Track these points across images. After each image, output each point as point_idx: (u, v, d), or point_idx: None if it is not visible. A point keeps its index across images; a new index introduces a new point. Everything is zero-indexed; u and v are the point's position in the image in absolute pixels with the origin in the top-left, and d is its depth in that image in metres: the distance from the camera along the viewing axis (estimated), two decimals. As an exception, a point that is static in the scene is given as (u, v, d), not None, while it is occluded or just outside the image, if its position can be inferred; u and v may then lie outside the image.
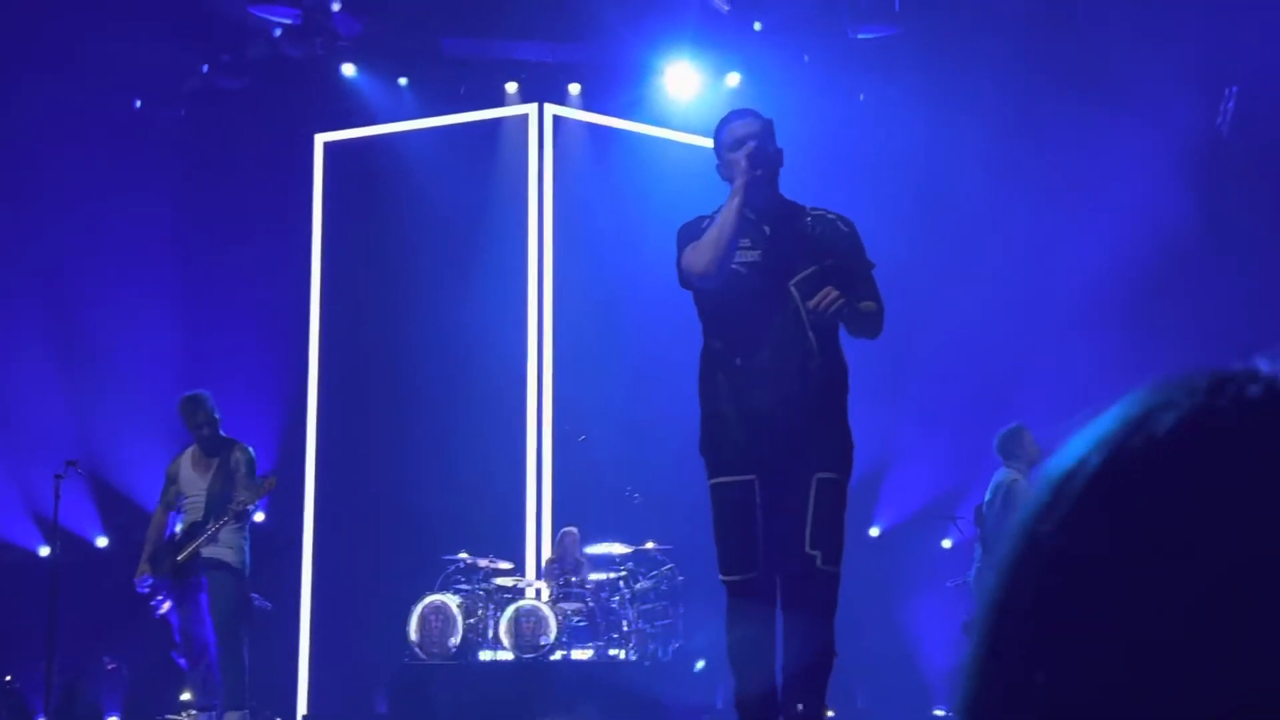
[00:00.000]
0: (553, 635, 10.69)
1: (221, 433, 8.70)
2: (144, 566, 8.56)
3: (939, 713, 12.07)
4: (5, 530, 12.39)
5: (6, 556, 12.24)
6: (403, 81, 13.78)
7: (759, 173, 4.90)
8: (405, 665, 10.88)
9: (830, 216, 5.14)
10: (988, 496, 9.02)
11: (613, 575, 11.37)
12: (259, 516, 8.72)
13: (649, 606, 11.24)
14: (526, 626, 10.78)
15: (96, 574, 11.63)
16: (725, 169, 5.09)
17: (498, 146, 13.82)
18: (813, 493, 4.83)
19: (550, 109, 13.69)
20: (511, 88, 13.85)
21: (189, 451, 8.69)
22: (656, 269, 12.28)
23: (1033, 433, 9.07)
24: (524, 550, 12.69)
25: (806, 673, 4.81)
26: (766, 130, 4.97)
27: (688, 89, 13.80)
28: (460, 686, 10.54)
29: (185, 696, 9.81)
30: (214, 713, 8.42)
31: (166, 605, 8.52)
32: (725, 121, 5.20)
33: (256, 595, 9.27)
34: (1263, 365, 0.79)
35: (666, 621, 11.27)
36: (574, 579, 11.32)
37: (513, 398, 13.10)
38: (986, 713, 0.76)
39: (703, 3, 12.64)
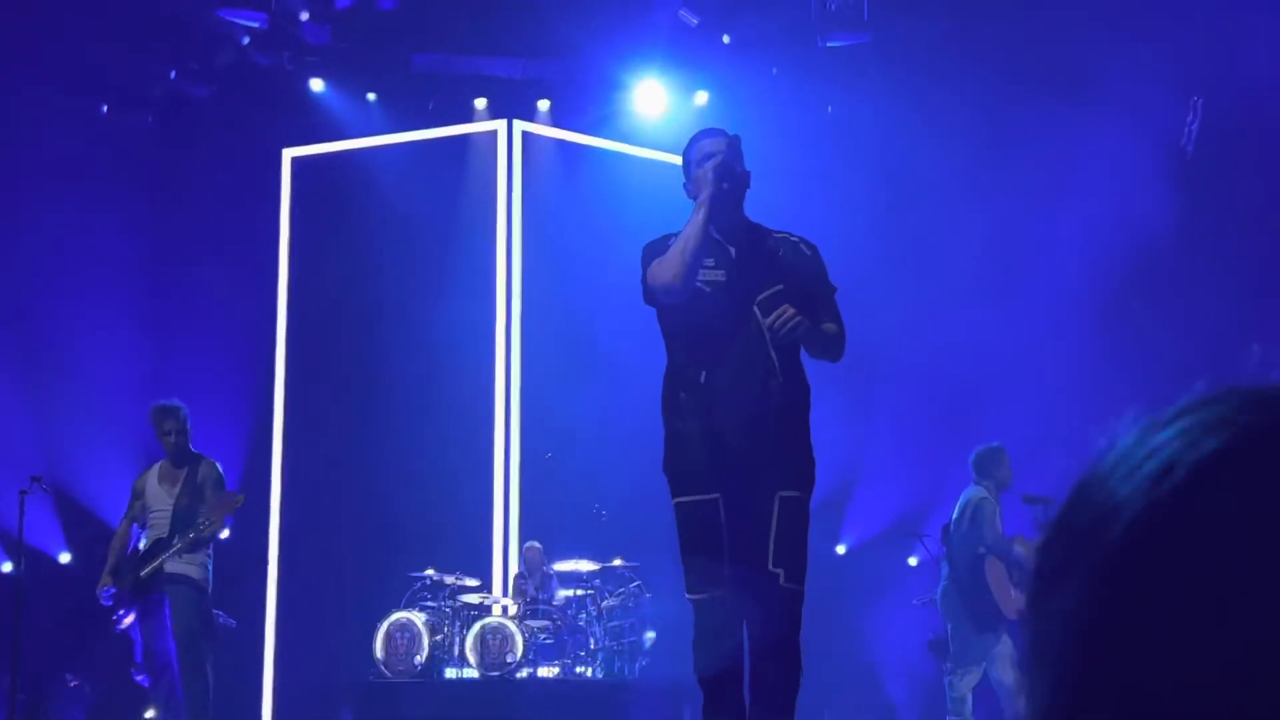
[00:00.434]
0: (519, 653, 10.66)
1: (191, 447, 8.65)
2: (106, 578, 8.49)
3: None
4: (-33, 546, 12.29)
5: (-31, 573, 12.14)
6: (371, 97, 13.76)
7: (725, 186, 4.91)
8: (370, 683, 10.83)
9: (794, 239, 5.16)
10: (955, 514, 9.05)
11: (580, 592, 11.36)
12: (224, 533, 8.64)
13: (616, 624, 11.23)
14: (493, 644, 10.75)
15: (60, 591, 11.54)
16: (693, 186, 5.10)
17: (467, 162, 13.82)
18: (775, 511, 4.83)
19: (519, 125, 13.70)
20: (481, 104, 13.85)
21: (156, 466, 8.64)
22: (625, 286, 12.25)
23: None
24: (491, 567, 12.66)
25: (774, 690, 4.81)
26: (734, 148, 4.98)
27: (656, 106, 13.84)
28: (426, 704, 10.50)
29: (149, 714, 9.73)
30: (177, 730, 8.36)
31: (129, 619, 8.46)
32: (694, 140, 5.22)
33: (220, 612, 9.22)
34: None
35: (633, 639, 11.25)
36: (541, 596, 11.29)
37: (480, 414, 13.07)
38: None
39: (672, 17, 12.67)
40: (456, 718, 10.34)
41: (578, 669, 11.12)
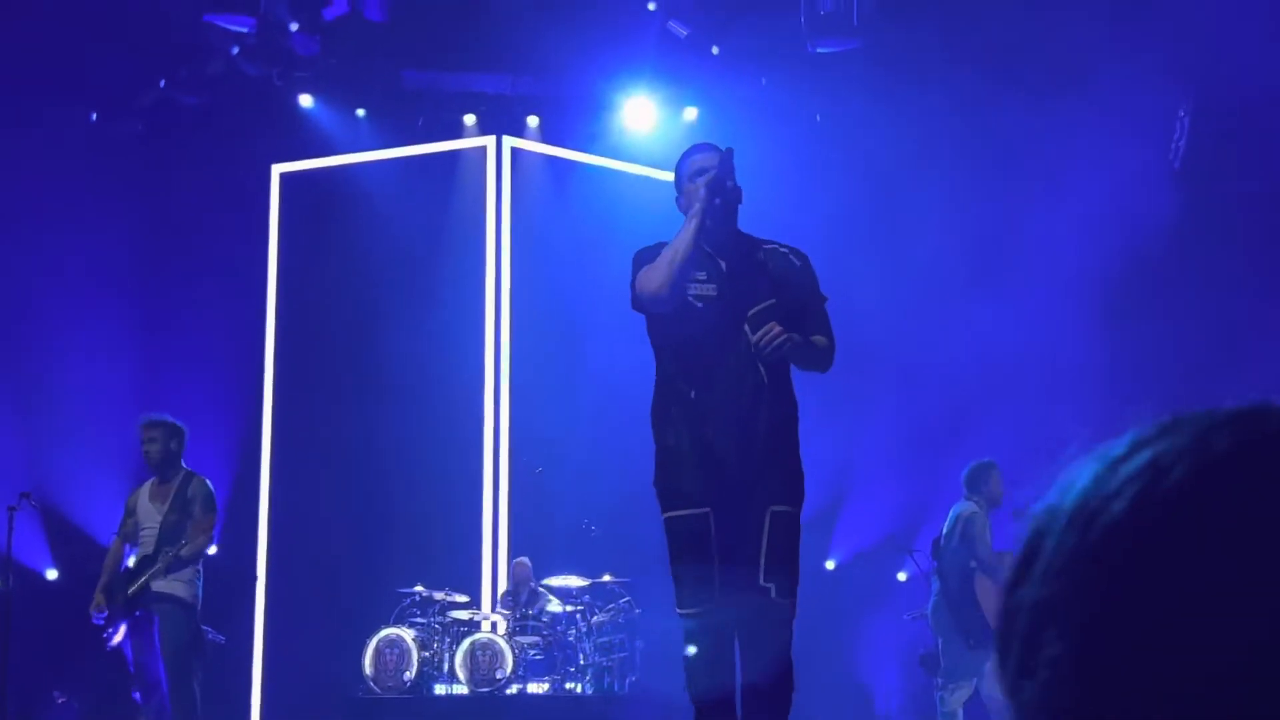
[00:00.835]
0: (509, 669, 10.64)
1: (183, 464, 8.61)
2: (99, 598, 8.46)
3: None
4: (-45, 563, 12.24)
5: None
6: (361, 113, 13.77)
7: (717, 201, 4.92)
8: (359, 699, 10.80)
9: (784, 250, 5.17)
10: (945, 529, 9.05)
11: (569, 608, 11.34)
12: (212, 549, 8.61)
13: (606, 639, 11.21)
14: (482, 660, 10.72)
15: (48, 607, 11.50)
16: (685, 201, 5.11)
17: (456, 178, 13.82)
18: (766, 526, 4.82)
19: (508, 141, 13.71)
20: (470, 120, 13.86)
21: (148, 483, 8.60)
22: (614, 301, 12.29)
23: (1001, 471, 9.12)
24: (480, 583, 12.64)
25: (766, 707, 4.80)
26: (726, 163, 4.99)
27: (645, 122, 13.86)
28: (415, 721, 10.47)
29: (137, 731, 9.69)
30: (165, 748, 8.32)
31: (118, 636, 8.42)
32: (686, 155, 5.23)
33: (209, 629, 9.18)
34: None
35: (623, 654, 11.23)
36: (530, 612, 11.27)
37: (469, 430, 13.06)
38: None
39: (661, 30, 12.70)
40: (446, 734, 10.31)
41: (567, 685, 11.09)
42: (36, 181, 12.54)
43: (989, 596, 8.81)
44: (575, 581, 11.47)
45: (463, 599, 11.51)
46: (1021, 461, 10.22)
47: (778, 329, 4.76)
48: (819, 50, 12.05)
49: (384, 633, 10.86)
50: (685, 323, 4.92)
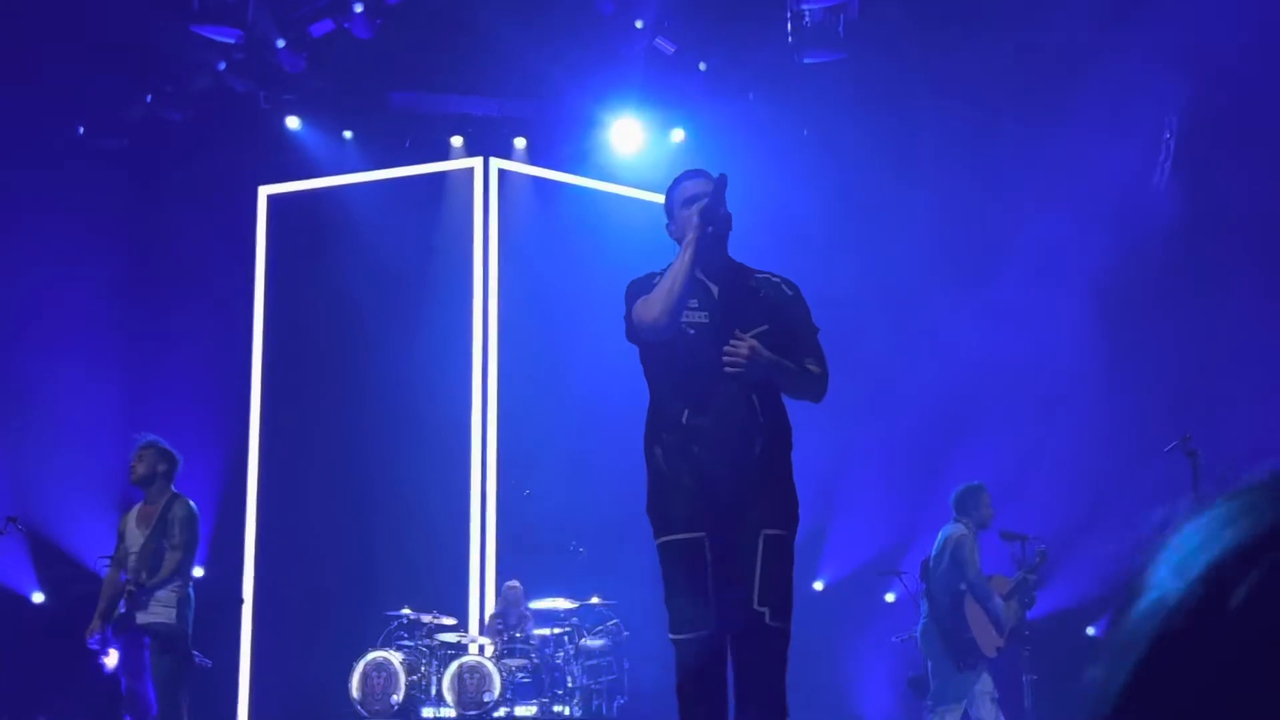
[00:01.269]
0: (496, 692, 10.60)
1: (171, 487, 8.57)
2: (95, 624, 8.42)
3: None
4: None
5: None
6: (348, 134, 13.78)
7: (710, 229, 4.92)
8: (347, 723, 10.75)
9: (776, 280, 5.17)
10: (934, 551, 9.04)
11: (557, 630, 11.31)
12: (198, 571, 8.57)
13: (594, 662, 11.17)
14: (470, 683, 10.69)
15: (33, 631, 11.44)
16: (677, 227, 5.10)
17: (443, 200, 13.83)
18: (760, 549, 4.81)
19: (496, 163, 13.72)
20: (457, 141, 13.87)
21: (136, 507, 8.58)
22: (602, 323, 12.29)
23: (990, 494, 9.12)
24: (468, 606, 12.60)
25: None
26: (719, 190, 4.98)
27: (633, 143, 13.88)
28: (402, 744, 10.43)
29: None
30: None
31: (111, 661, 8.38)
32: (677, 181, 5.22)
33: (196, 652, 9.14)
34: None
35: (612, 677, 11.20)
36: (518, 634, 11.24)
37: (457, 452, 13.03)
38: None
39: (648, 47, 12.72)
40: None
41: (555, 708, 11.05)
42: (22, 196, 12.51)
43: (978, 619, 8.80)
44: (563, 604, 11.44)
45: (450, 621, 11.47)
46: (1010, 482, 10.24)
47: (746, 346, 4.78)
48: (806, 61, 12.05)
49: (371, 655, 10.82)
50: (677, 350, 4.92)
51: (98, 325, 12.71)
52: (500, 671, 10.70)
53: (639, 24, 12.64)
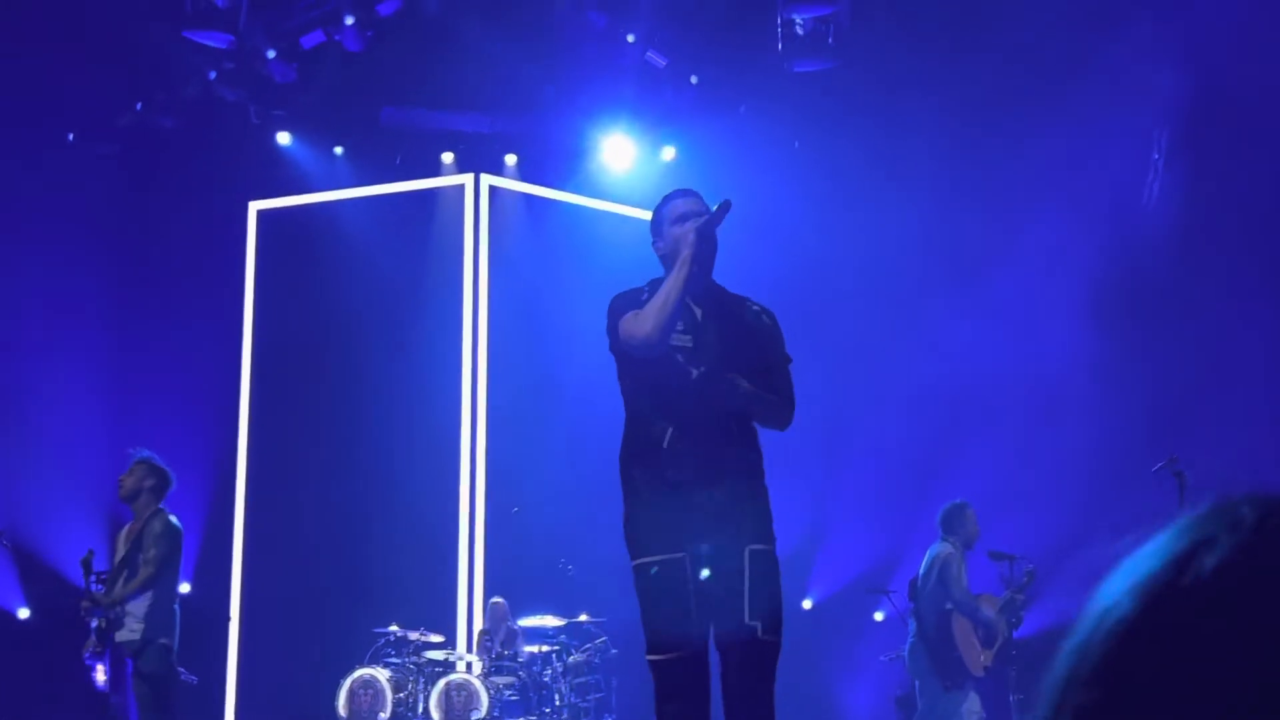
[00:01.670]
0: (484, 709, 10.57)
1: (154, 500, 8.53)
2: (91, 640, 8.39)
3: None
4: (-73, 601, 12.14)
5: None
6: (338, 150, 13.78)
7: (705, 248, 4.92)
8: (333, 740, 10.71)
9: (755, 307, 5.19)
10: (922, 570, 9.04)
11: (545, 648, 11.27)
12: (184, 588, 8.54)
13: (582, 680, 11.14)
14: (457, 700, 10.66)
15: (19, 647, 11.40)
16: (665, 245, 5.09)
17: (434, 216, 13.83)
18: (747, 565, 4.81)
19: (486, 179, 13.73)
20: (448, 158, 13.88)
21: (128, 524, 8.55)
22: (592, 340, 12.31)
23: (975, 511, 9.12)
24: (455, 623, 12.57)
25: None
26: (722, 213, 4.96)
27: (623, 161, 13.90)
28: (389, 762, 10.39)
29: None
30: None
31: (99, 676, 8.35)
32: (667, 200, 5.21)
33: (181, 669, 9.11)
34: None
35: (600, 695, 11.17)
36: (506, 652, 11.21)
37: (446, 468, 13.02)
38: None
39: (639, 61, 12.75)
40: (420, 776, 10.24)
41: (543, 726, 11.03)
42: (12, 203, 12.46)
43: (966, 638, 8.81)
44: (551, 621, 11.41)
45: (438, 639, 11.44)
46: (999, 503, 10.24)
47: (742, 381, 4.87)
48: (796, 70, 12.06)
49: (358, 673, 10.79)
50: (661, 370, 4.92)
51: (86, 339, 12.68)
52: (488, 689, 10.67)
53: (630, 38, 12.68)
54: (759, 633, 4.76)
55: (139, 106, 12.90)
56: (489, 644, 11.45)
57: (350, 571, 12.51)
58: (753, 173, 12.88)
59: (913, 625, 9.10)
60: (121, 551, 8.34)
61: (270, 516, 13.07)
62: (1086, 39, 11.68)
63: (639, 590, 4.87)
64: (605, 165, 13.95)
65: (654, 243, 5.18)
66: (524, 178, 13.99)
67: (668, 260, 5.04)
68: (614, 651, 11.31)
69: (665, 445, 4.86)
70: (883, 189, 12.63)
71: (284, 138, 13.62)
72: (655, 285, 5.04)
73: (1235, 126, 11.45)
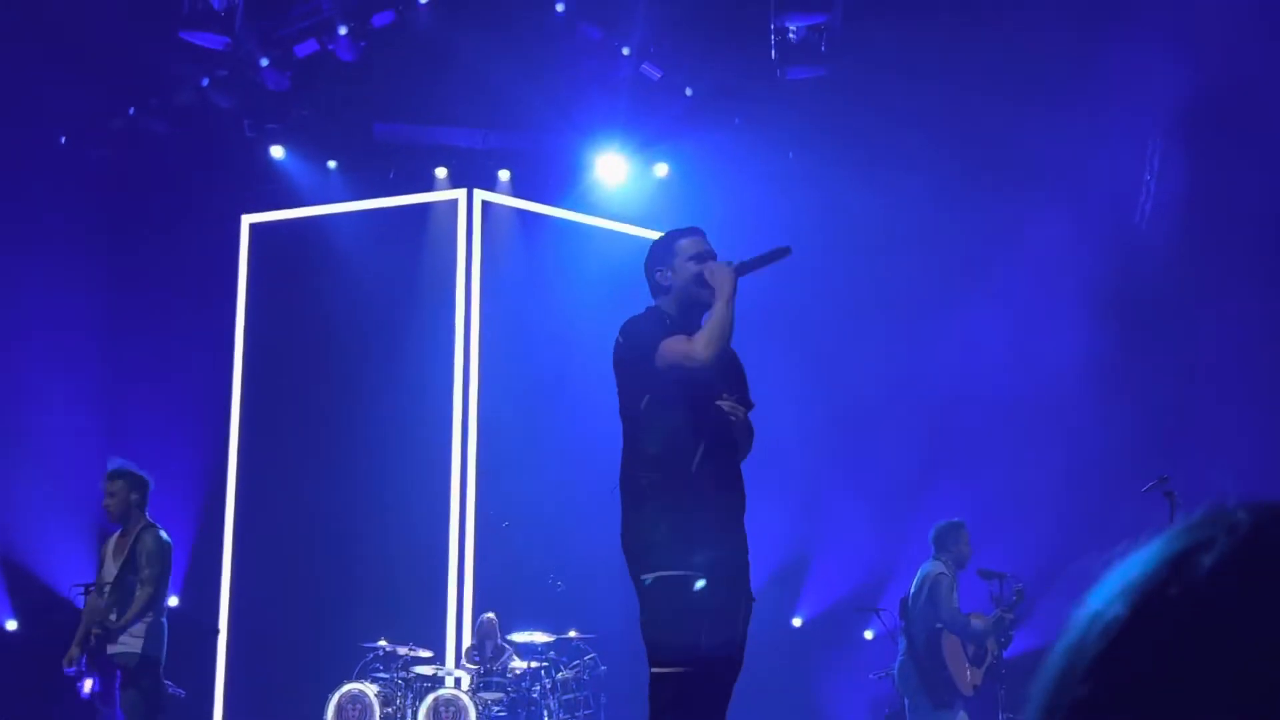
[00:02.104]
0: (472, 725, 10.54)
1: (144, 514, 8.51)
2: (73, 651, 8.36)
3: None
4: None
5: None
6: (332, 164, 13.78)
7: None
8: (321, 755, 10.67)
9: (732, 350, 5.35)
10: (913, 588, 9.04)
11: (534, 664, 11.25)
12: (173, 601, 8.51)
13: (570, 696, 11.12)
14: (446, 716, 10.63)
15: (7, 658, 11.36)
16: (681, 279, 5.22)
17: (426, 231, 13.83)
18: (750, 592, 5.12)
19: (479, 194, 13.73)
20: (441, 173, 13.90)
21: (114, 535, 8.52)
22: (583, 354, 12.34)
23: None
24: (444, 638, 12.54)
25: None
26: (772, 256, 5.22)
27: (616, 177, 13.92)
28: (377, 777, 10.36)
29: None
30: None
31: (88, 687, 8.32)
32: (677, 236, 5.35)
33: (169, 682, 9.08)
34: None
35: (588, 712, 11.15)
36: (495, 667, 11.19)
37: (436, 483, 13.00)
38: None
39: (634, 75, 12.79)
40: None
41: (531, 742, 11.00)
42: (3, 210, 12.43)
43: (955, 656, 8.80)
44: (540, 637, 11.39)
45: (427, 654, 11.41)
46: (989, 519, 10.24)
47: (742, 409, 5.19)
48: (789, 77, 12.08)
49: (346, 688, 10.76)
50: (697, 394, 5.07)
51: (76, 349, 12.66)
52: (476, 705, 10.64)
53: (625, 51, 12.72)
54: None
55: (131, 111, 12.89)
56: (478, 659, 11.43)
57: (339, 586, 12.49)
58: (746, 185, 12.90)
59: (903, 643, 9.10)
60: (112, 568, 8.31)
61: (259, 530, 13.05)
62: (1087, 41, 11.68)
63: (655, 602, 4.93)
64: (598, 181, 13.97)
65: (657, 272, 5.31)
66: (517, 193, 14.00)
67: (677, 291, 5.22)
68: (603, 668, 11.28)
69: (696, 463, 5.01)
70: (875, 201, 12.63)
71: (277, 151, 13.62)
72: (658, 314, 5.20)
73: (1234, 133, 11.46)
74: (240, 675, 12.71)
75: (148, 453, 11.81)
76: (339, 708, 10.64)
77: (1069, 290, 11.79)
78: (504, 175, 14.00)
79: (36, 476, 12.20)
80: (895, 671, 9.21)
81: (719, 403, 5.06)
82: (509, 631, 11.61)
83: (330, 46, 12.42)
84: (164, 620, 8.31)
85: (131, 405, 12.75)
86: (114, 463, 8.57)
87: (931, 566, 8.97)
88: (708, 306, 5.13)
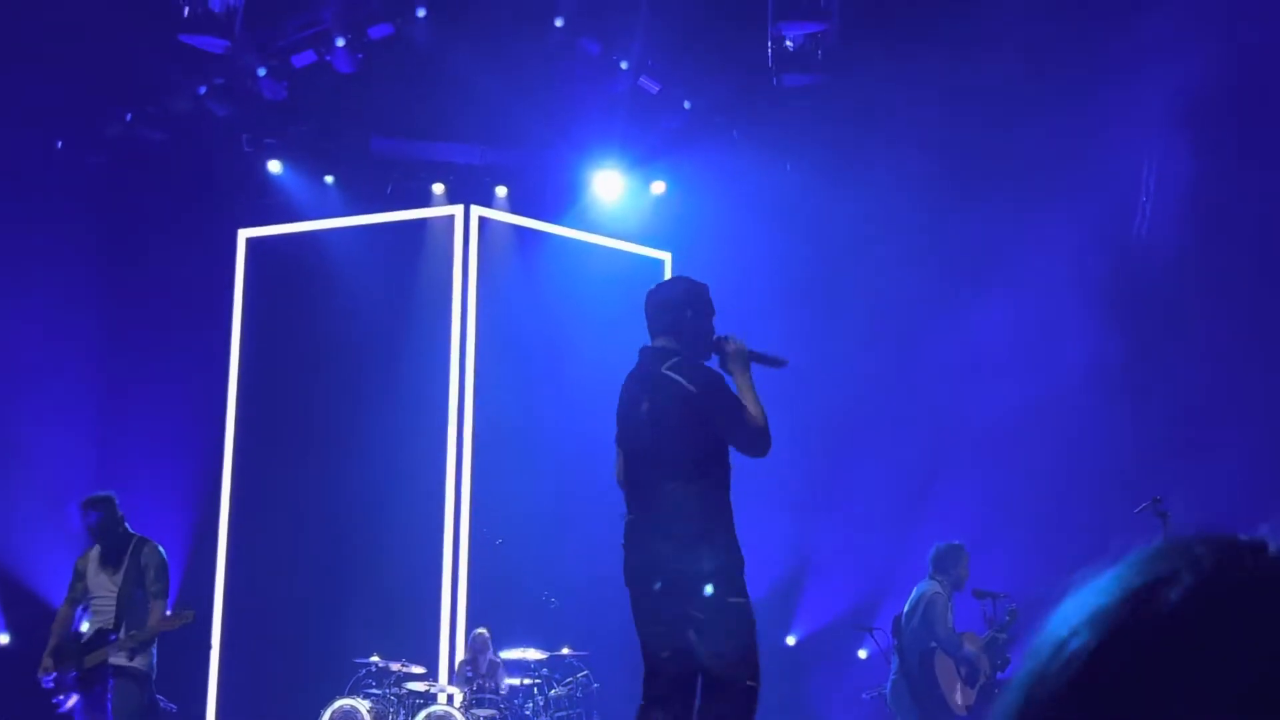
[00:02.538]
0: (464, 742, 10.51)
1: (129, 529, 8.50)
2: (47, 662, 8.33)
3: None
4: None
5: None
6: (329, 179, 13.79)
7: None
8: (312, 771, 10.64)
9: None
10: (907, 607, 9.03)
11: (527, 681, 11.23)
12: (167, 614, 8.48)
13: (563, 714, 11.09)
14: (438, 732, 10.60)
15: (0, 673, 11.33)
16: (703, 335, 5.50)
17: (423, 247, 13.83)
18: None
19: (476, 210, 13.73)
20: (438, 189, 13.90)
21: (97, 548, 8.49)
22: (578, 372, 12.34)
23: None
24: (437, 654, 12.52)
25: None
26: (774, 361, 5.55)
27: (613, 194, 13.94)
28: (368, 794, 10.32)
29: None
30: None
31: (72, 702, 8.29)
32: (706, 290, 5.57)
33: (161, 697, 9.06)
34: (1271, 535, 0.76)
35: (581, 729, 11.12)
36: (487, 684, 11.16)
37: (430, 500, 12.98)
38: None
39: (632, 88, 12.82)
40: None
41: (523, 759, 10.97)
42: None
43: (948, 676, 8.79)
44: (533, 654, 11.36)
45: (419, 670, 11.38)
46: (982, 539, 10.23)
47: None
48: (786, 85, 12.09)
49: (339, 703, 10.72)
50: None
51: (71, 365, 12.63)
52: (468, 721, 10.62)
53: (624, 65, 12.75)
54: None
55: (129, 117, 12.89)
56: (470, 675, 11.40)
57: (332, 601, 12.46)
58: (744, 199, 12.91)
59: (895, 662, 9.09)
60: (105, 580, 8.29)
61: (253, 545, 13.02)
62: (1086, 46, 11.70)
63: (738, 625, 5.26)
64: (595, 198, 13.99)
65: (689, 310, 5.51)
66: (514, 209, 14.01)
67: (689, 337, 5.49)
68: (596, 685, 11.26)
69: (729, 502, 5.41)
70: (873, 211, 12.62)
71: (275, 166, 13.63)
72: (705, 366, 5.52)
73: (1235, 136, 11.46)
74: (233, 690, 12.67)
75: (141, 468, 11.83)
76: (331, 724, 10.61)
77: (1069, 302, 11.78)
78: (501, 191, 14.02)
79: (30, 489, 12.17)
80: (888, 690, 9.20)
81: None
82: (501, 648, 11.59)
83: (328, 58, 12.45)
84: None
85: (126, 419, 12.73)
86: (85, 497, 8.56)
87: (927, 586, 8.96)
88: (703, 359, 5.45)
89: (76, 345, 12.66)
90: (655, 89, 12.88)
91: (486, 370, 13.41)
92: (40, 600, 11.74)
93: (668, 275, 13.69)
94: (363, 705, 10.73)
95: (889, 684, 9.15)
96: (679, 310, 5.44)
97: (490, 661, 11.48)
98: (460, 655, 12.27)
